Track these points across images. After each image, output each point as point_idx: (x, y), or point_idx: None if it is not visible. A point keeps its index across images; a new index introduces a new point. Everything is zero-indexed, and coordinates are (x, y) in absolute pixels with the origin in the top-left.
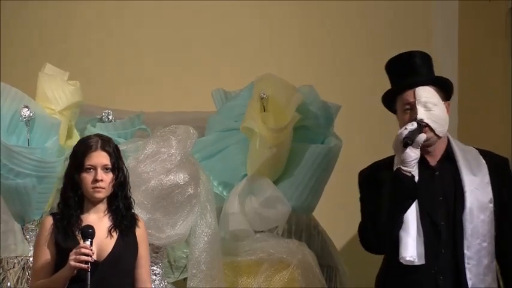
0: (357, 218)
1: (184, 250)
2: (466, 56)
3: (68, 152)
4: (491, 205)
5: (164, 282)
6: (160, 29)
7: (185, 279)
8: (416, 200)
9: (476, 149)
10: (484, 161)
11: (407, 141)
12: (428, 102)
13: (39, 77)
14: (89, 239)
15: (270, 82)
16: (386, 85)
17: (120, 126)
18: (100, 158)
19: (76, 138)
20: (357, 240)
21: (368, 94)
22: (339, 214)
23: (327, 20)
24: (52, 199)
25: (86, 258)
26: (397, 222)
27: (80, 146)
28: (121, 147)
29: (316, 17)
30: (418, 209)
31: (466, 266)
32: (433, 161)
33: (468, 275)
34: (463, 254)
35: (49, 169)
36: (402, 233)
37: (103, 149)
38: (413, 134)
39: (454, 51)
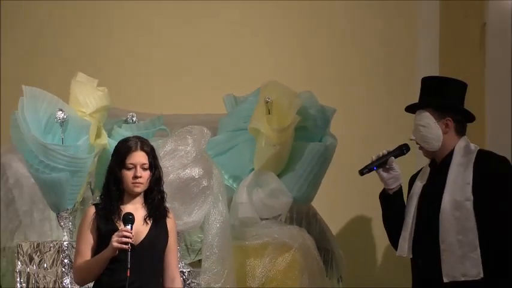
0: (351, 207)
1: (199, 235)
2: (446, 66)
3: (98, 149)
4: (469, 203)
5: (181, 263)
6: (178, 39)
7: (200, 260)
8: (417, 201)
9: (478, 152)
10: (472, 167)
11: (363, 170)
12: (418, 125)
13: (71, 84)
14: (130, 224)
15: (274, 88)
16: (376, 91)
17: (142, 126)
18: (139, 157)
19: (104, 137)
20: (351, 227)
21: (360, 99)
22: (335, 204)
23: (324, 32)
24: (83, 191)
25: (127, 240)
26: (388, 225)
27: (121, 146)
28: None
29: (315, 30)
30: (416, 209)
31: (441, 257)
32: (438, 165)
33: (443, 264)
34: (439, 246)
35: (81, 164)
36: (401, 232)
37: (142, 149)
38: (379, 160)
39: (435, 61)
